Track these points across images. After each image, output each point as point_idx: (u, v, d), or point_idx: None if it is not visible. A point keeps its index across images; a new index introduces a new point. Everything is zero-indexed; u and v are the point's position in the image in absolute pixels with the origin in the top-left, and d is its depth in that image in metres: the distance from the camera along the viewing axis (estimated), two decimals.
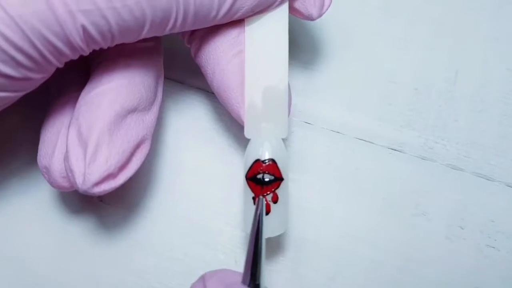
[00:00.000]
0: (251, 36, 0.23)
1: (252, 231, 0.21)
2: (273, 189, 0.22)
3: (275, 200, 0.22)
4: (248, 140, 0.23)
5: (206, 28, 0.22)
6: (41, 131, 0.23)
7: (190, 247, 0.26)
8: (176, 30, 0.21)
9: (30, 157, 0.26)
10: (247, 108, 0.23)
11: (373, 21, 0.30)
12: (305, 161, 0.27)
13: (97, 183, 0.21)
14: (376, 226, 0.26)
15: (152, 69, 0.23)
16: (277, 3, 0.22)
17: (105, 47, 0.20)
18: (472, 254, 0.26)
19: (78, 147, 0.21)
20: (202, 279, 0.20)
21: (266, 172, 0.22)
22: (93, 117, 0.21)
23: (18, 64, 0.19)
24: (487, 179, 0.27)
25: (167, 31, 0.21)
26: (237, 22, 0.23)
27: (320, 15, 0.24)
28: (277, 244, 0.26)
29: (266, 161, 0.22)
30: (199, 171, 0.27)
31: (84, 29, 0.19)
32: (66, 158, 0.21)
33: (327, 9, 0.24)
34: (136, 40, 0.21)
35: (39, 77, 0.20)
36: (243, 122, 0.23)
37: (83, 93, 0.22)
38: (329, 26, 0.30)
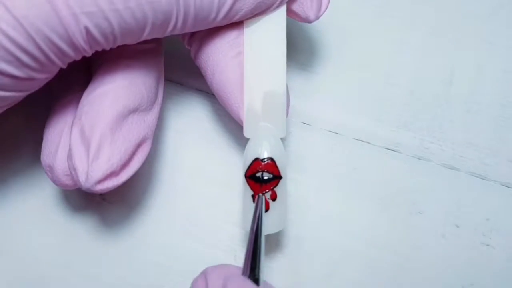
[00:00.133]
0: (250, 37, 0.23)
1: (251, 227, 0.21)
2: (272, 187, 0.22)
3: (274, 197, 0.22)
4: (247, 141, 0.23)
5: (205, 30, 0.23)
6: (45, 130, 0.24)
7: (190, 245, 0.26)
8: (176, 32, 0.22)
9: (33, 156, 0.26)
10: (246, 108, 0.23)
11: (370, 24, 0.30)
12: (303, 161, 0.27)
13: (100, 181, 0.21)
14: (373, 224, 0.26)
15: (153, 70, 0.23)
16: (275, 5, 0.23)
17: (107, 48, 0.21)
18: (468, 252, 0.26)
19: (81, 146, 0.21)
20: (204, 273, 0.20)
21: (265, 170, 0.22)
22: (96, 117, 0.21)
23: (22, 64, 0.19)
24: (482, 179, 0.27)
25: (167, 33, 0.21)
26: (236, 24, 0.23)
27: (317, 18, 0.24)
28: (275, 242, 0.26)
29: (265, 159, 0.22)
30: (199, 171, 0.27)
31: (87, 31, 0.19)
32: (69, 157, 0.21)
33: (324, 11, 0.24)
34: (137, 42, 0.21)
35: (42, 77, 0.20)
36: (242, 123, 0.23)
37: (85, 93, 0.22)
38: (327, 28, 0.30)
